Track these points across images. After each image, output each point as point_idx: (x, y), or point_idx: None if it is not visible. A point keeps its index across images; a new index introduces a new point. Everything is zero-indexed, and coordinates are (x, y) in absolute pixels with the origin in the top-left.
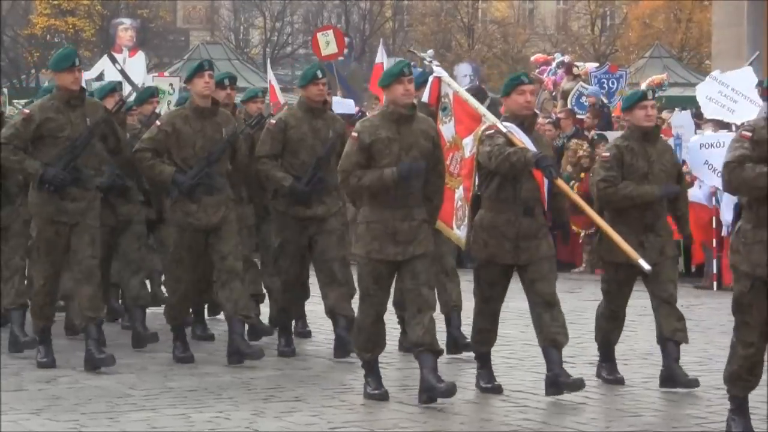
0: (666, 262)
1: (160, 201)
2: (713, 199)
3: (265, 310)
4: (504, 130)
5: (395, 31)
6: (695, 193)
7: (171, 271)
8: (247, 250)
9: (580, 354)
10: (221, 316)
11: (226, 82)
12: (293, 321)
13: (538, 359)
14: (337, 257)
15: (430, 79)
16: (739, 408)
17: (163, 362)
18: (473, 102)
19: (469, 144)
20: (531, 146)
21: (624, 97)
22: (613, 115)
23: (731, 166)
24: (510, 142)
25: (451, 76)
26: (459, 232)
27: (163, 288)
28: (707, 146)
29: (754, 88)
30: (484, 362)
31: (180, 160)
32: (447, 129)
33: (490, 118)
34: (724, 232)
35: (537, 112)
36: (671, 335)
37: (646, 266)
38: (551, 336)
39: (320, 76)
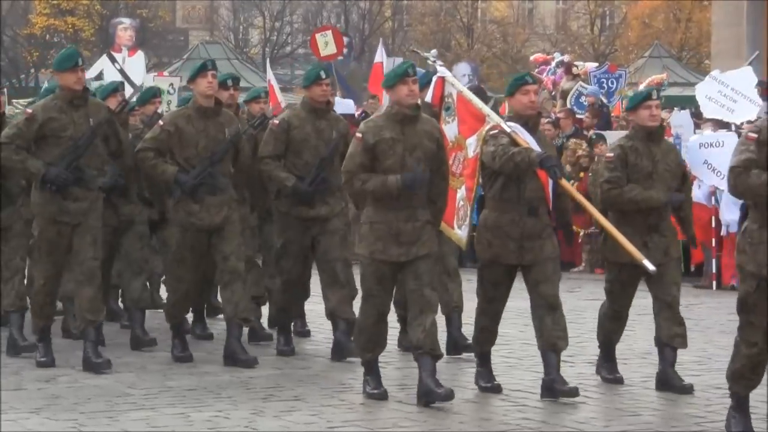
0: (670, 264)
1: (162, 201)
2: (713, 198)
3: (266, 311)
4: (508, 130)
5: (395, 30)
6: (695, 193)
7: (172, 270)
8: (251, 250)
9: (580, 353)
10: (221, 315)
11: (229, 82)
12: (292, 320)
13: (537, 359)
14: (340, 258)
15: (434, 79)
16: (740, 406)
17: (162, 361)
18: (477, 102)
19: (472, 144)
20: (535, 146)
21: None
22: (612, 114)
23: (737, 171)
24: (514, 142)
25: None
26: (460, 232)
27: (161, 291)
28: (706, 146)
29: (754, 87)
30: (484, 361)
31: (182, 159)
32: (450, 129)
33: (494, 118)
34: (723, 232)
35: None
36: (669, 341)
37: (651, 267)
38: (552, 340)
39: (323, 76)
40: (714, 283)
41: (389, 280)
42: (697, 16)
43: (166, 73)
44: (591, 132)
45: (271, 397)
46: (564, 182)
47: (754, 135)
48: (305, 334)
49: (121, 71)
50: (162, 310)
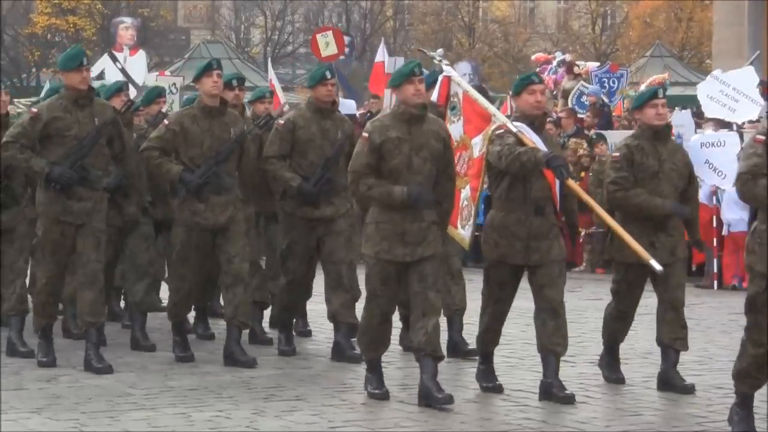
0: (677, 264)
1: (166, 203)
2: (713, 198)
3: (267, 313)
4: (514, 129)
5: (396, 30)
6: None
7: (176, 269)
8: (255, 253)
9: (581, 353)
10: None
11: (235, 82)
12: (293, 320)
13: (538, 359)
14: (345, 260)
15: (440, 78)
16: (744, 403)
17: (163, 361)
18: (483, 101)
19: (478, 144)
20: (542, 146)
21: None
22: (613, 114)
23: (744, 178)
24: (520, 142)
25: None
26: (463, 232)
27: (161, 292)
28: (708, 145)
29: (756, 87)
30: (486, 361)
31: (187, 159)
32: (455, 128)
33: (500, 117)
34: (724, 232)
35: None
36: (671, 343)
37: (658, 267)
38: (551, 346)
39: (329, 76)
40: (715, 282)
41: (394, 280)
42: (699, 15)
43: (167, 72)
44: (592, 132)
45: (272, 397)
46: (571, 182)
47: (762, 137)
48: (306, 334)
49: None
50: (160, 313)
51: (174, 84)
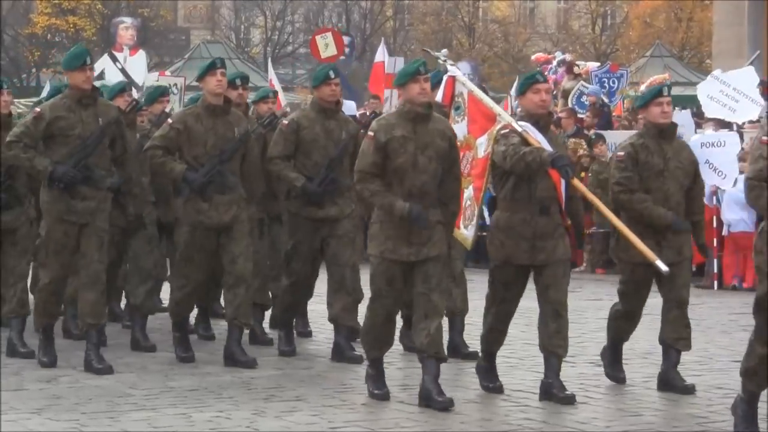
0: (683, 264)
1: (168, 205)
2: (714, 198)
3: (267, 314)
4: (519, 129)
5: (396, 30)
6: None
7: (180, 268)
8: (259, 254)
9: (581, 353)
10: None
11: (238, 81)
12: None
13: (539, 359)
14: (348, 262)
15: (444, 78)
16: (750, 401)
17: (163, 362)
18: (488, 101)
19: (483, 143)
20: (547, 146)
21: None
22: (613, 114)
23: (751, 184)
24: (525, 142)
25: None
26: (466, 232)
27: (161, 293)
28: (708, 145)
29: (756, 87)
30: (489, 361)
31: (191, 158)
32: (459, 128)
33: (505, 117)
34: (724, 232)
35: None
36: (673, 343)
37: (664, 267)
38: (552, 347)
39: (333, 76)
40: (715, 283)
41: (399, 280)
42: (699, 15)
43: (168, 72)
44: (591, 132)
45: (272, 397)
46: (576, 182)
47: (767, 138)
48: (307, 334)
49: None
50: (160, 314)
51: (175, 84)
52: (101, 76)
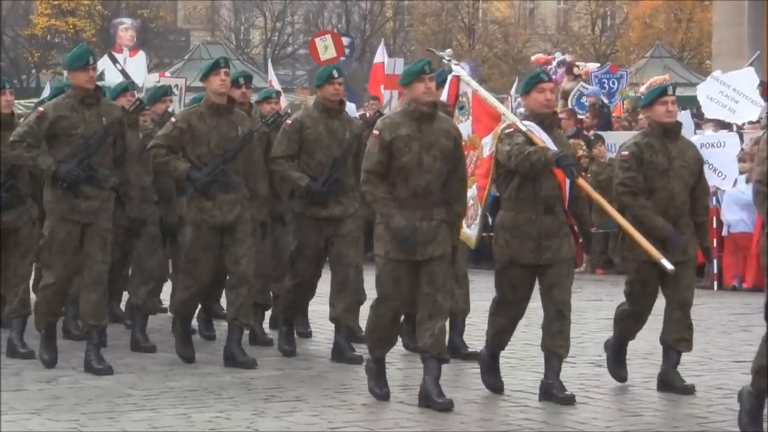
0: (688, 264)
1: (169, 204)
2: (713, 199)
3: (267, 314)
4: (524, 128)
5: (396, 31)
6: None
7: (187, 269)
8: (261, 255)
9: (581, 354)
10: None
11: (241, 80)
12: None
13: (539, 359)
14: (352, 263)
15: (449, 78)
16: (759, 398)
17: (163, 362)
18: (492, 101)
19: (488, 143)
20: (551, 145)
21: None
22: (613, 115)
23: (757, 188)
24: (530, 141)
25: None
26: (469, 231)
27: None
28: (708, 146)
29: (756, 88)
30: (494, 361)
31: (195, 157)
32: (463, 128)
33: (509, 116)
34: (724, 232)
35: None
36: (675, 344)
37: (669, 266)
38: (554, 348)
39: (336, 75)
40: (715, 283)
41: (406, 280)
42: (698, 16)
43: (167, 73)
44: (591, 132)
45: (272, 397)
46: (581, 181)
47: None
48: (307, 335)
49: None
50: (160, 314)
51: (176, 86)
52: (101, 77)
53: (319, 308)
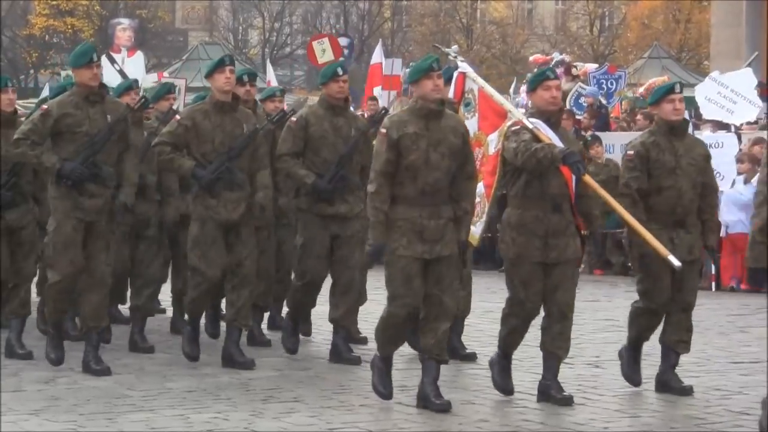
0: (693, 265)
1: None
2: None
3: (266, 315)
4: (530, 126)
5: (394, 31)
6: None
7: (194, 266)
8: (264, 255)
9: (579, 355)
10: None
11: (246, 78)
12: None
13: (537, 360)
14: (357, 265)
15: (455, 74)
16: None
17: (161, 363)
18: (499, 98)
19: (494, 140)
20: (558, 142)
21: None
22: (611, 115)
23: (759, 191)
24: (536, 138)
25: None
26: (474, 229)
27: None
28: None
29: (754, 89)
30: (506, 361)
31: (199, 155)
32: (469, 125)
33: (515, 113)
34: (722, 233)
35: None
36: (674, 345)
37: (676, 263)
38: (553, 348)
39: (341, 73)
40: (713, 284)
41: (417, 277)
42: (697, 17)
43: (166, 74)
44: (588, 133)
45: (270, 398)
46: (588, 178)
47: None
48: (306, 332)
49: (121, 72)
50: (159, 314)
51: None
52: None
53: (317, 309)
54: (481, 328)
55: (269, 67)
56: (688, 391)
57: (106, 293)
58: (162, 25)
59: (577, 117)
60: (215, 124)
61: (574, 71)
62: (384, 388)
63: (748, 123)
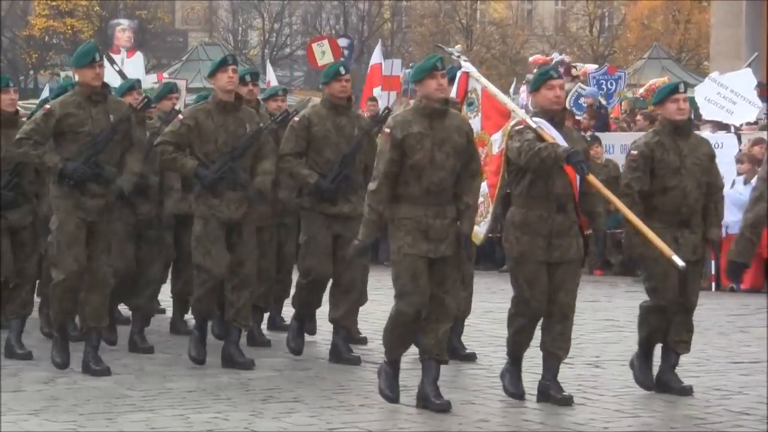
0: (696, 266)
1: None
2: None
3: (265, 315)
4: (534, 125)
5: (393, 32)
6: None
7: (199, 264)
8: (265, 257)
9: (579, 355)
10: None
11: (248, 77)
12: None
13: (536, 360)
14: (360, 266)
15: (458, 74)
16: None
17: (161, 363)
18: (502, 97)
19: (497, 140)
20: (562, 141)
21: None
22: (611, 116)
23: (757, 187)
24: (540, 138)
25: None
26: (477, 228)
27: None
28: None
29: (753, 89)
30: (516, 365)
31: (202, 154)
32: (472, 124)
33: (519, 113)
34: (723, 233)
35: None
36: (674, 346)
37: (680, 263)
38: (554, 349)
39: (343, 72)
40: (713, 284)
41: (423, 276)
42: (696, 17)
43: (165, 74)
44: (587, 134)
45: (270, 398)
46: (591, 178)
47: None
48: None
49: (120, 72)
50: (159, 315)
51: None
52: None
53: (318, 309)
54: (481, 329)
55: (269, 68)
56: (688, 391)
57: (107, 294)
58: (162, 26)
59: (577, 117)
60: (218, 123)
61: (573, 72)
62: (391, 391)
63: (748, 123)
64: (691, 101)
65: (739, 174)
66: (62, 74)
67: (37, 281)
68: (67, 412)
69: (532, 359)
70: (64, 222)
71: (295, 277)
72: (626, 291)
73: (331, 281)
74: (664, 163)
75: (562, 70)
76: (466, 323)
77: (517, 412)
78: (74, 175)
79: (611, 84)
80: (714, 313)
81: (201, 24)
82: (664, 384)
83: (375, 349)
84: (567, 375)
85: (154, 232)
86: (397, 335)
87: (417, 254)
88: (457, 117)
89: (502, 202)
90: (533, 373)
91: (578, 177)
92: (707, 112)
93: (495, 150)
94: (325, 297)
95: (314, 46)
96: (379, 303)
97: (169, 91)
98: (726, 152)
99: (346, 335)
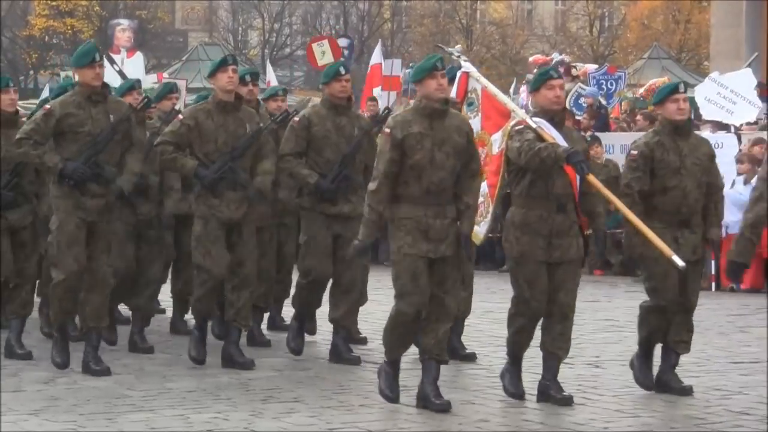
0: (697, 267)
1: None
2: None
3: (266, 316)
4: (534, 125)
5: (393, 32)
6: None
7: (199, 263)
8: (266, 257)
9: (579, 355)
10: None
11: (248, 78)
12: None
13: (536, 360)
14: (360, 266)
15: (458, 74)
16: None
17: (161, 363)
18: (502, 97)
19: (497, 140)
20: (562, 141)
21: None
22: (611, 116)
23: (757, 187)
24: (540, 138)
25: None
26: (478, 228)
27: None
28: None
29: (753, 89)
30: (516, 365)
31: (202, 154)
32: (472, 124)
33: (519, 113)
34: (723, 233)
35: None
36: (674, 346)
37: (680, 263)
38: (554, 349)
39: (343, 72)
40: (713, 284)
41: (423, 275)
42: (696, 17)
43: (165, 74)
44: (587, 134)
45: (270, 398)
46: (591, 178)
47: None
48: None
49: (120, 72)
50: (158, 315)
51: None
52: None
53: (318, 309)
54: (481, 329)
55: (269, 68)
56: (688, 391)
57: (107, 294)
58: (161, 26)
59: (577, 117)
60: (218, 123)
61: (573, 72)
62: (391, 391)
63: (748, 123)
64: (691, 101)
65: (739, 174)
66: (62, 74)
67: (37, 281)
68: (67, 412)
69: (532, 359)
70: (64, 222)
71: (295, 277)
72: (626, 291)
73: (331, 281)
74: (664, 163)
75: (562, 70)
76: (466, 323)
77: (517, 412)
78: (74, 175)
79: (611, 84)
80: (714, 313)
81: (201, 24)
82: (664, 384)
83: (375, 349)
84: (567, 375)
85: (154, 232)
86: (397, 335)
87: (417, 254)
88: (457, 117)
89: (502, 202)
90: (533, 373)
91: (578, 177)
92: (707, 112)
93: (495, 150)
94: (325, 297)
95: (314, 46)
96: (379, 303)
97: (169, 91)
98: (726, 152)
99: (346, 335)
